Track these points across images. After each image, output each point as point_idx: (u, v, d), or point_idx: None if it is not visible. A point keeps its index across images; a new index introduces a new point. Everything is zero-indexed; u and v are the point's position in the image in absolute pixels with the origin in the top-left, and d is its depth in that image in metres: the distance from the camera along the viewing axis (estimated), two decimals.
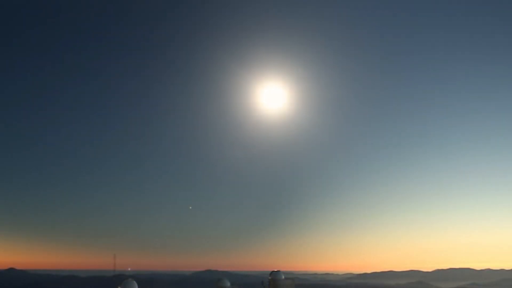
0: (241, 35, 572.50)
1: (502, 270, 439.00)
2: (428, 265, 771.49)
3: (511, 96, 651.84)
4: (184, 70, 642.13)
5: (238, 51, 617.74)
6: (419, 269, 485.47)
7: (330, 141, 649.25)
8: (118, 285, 78.14)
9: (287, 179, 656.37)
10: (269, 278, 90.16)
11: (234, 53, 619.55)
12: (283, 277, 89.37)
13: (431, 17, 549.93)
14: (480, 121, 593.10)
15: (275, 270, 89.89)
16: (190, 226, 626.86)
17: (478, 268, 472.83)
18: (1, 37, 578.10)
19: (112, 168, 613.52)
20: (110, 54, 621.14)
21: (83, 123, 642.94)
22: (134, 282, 78.08)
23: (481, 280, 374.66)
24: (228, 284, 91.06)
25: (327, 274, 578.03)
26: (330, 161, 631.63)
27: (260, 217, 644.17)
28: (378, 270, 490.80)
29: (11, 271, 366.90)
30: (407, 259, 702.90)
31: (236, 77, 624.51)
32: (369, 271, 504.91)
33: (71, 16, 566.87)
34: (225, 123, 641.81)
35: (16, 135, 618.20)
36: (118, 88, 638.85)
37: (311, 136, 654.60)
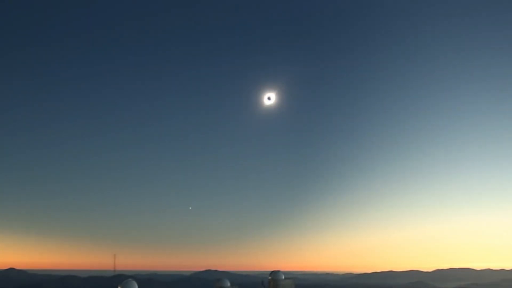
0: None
1: (502, 270, 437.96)
2: (428, 265, 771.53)
3: (510, 96, 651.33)
4: (183, 70, 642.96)
5: (238, 51, 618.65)
6: (419, 269, 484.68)
7: (330, 140, 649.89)
8: (118, 285, 78.24)
9: (287, 179, 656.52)
10: (269, 278, 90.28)
11: (234, 53, 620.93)
12: (283, 277, 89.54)
13: (431, 17, 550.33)
14: (482, 121, 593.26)
15: (275, 270, 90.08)
16: (190, 226, 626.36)
17: (478, 268, 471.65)
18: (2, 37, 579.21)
19: (112, 168, 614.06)
20: (109, 54, 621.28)
21: (82, 123, 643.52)
22: (134, 282, 78.19)
23: (481, 280, 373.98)
24: (228, 284, 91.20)
25: (327, 274, 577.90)
26: (329, 160, 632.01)
27: (260, 217, 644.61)
28: (378, 270, 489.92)
29: (11, 271, 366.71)
30: (407, 259, 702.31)
31: (235, 77, 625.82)
32: (369, 271, 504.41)
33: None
34: (225, 122, 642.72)
35: (16, 134, 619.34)
36: (120, 88, 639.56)
37: (311, 135, 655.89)
